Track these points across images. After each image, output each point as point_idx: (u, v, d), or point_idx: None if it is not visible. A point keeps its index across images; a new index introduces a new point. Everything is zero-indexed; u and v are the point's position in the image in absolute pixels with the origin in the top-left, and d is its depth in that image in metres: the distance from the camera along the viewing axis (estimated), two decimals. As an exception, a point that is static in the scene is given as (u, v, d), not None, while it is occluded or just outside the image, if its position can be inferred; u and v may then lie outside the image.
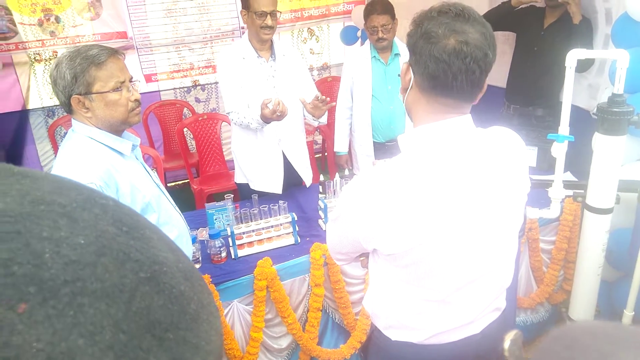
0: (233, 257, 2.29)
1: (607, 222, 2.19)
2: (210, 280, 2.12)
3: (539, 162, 2.89)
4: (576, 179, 2.62)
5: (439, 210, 1.13)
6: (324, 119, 2.67)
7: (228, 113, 2.62)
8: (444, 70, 1.09)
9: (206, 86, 4.94)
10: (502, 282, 1.33)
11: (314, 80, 2.97)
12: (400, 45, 3.08)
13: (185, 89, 4.88)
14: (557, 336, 0.39)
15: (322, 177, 2.59)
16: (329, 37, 5.40)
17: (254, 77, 2.59)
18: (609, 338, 0.37)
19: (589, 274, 2.30)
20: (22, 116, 4.34)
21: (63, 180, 0.33)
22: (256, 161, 2.74)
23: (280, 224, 2.38)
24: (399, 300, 1.29)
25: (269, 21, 2.49)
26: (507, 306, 1.44)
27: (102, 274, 0.27)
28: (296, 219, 2.38)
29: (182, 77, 4.83)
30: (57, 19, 4.23)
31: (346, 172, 3.15)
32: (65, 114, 4.26)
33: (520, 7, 3.20)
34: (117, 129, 1.67)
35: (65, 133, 1.69)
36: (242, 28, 4.78)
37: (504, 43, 3.63)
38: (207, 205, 2.55)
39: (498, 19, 3.07)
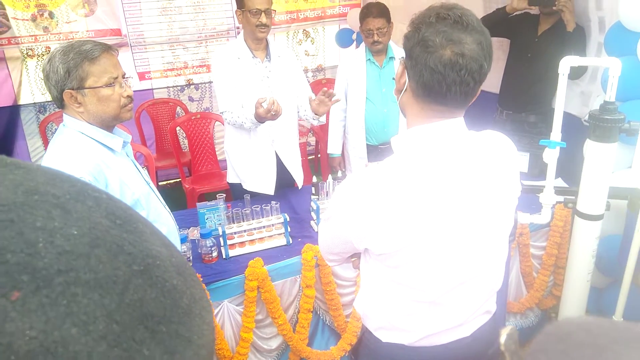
0: (224, 257, 2.29)
1: (597, 228, 2.21)
2: (201, 279, 2.11)
3: (530, 168, 2.91)
4: (567, 185, 2.64)
5: (430, 211, 1.13)
6: (323, 118, 2.68)
7: (222, 112, 2.62)
8: (438, 81, 1.09)
9: (200, 85, 4.93)
10: (492, 285, 1.34)
11: (308, 82, 2.97)
12: (395, 49, 3.09)
13: (179, 88, 4.87)
14: (551, 331, 0.40)
15: (315, 179, 2.58)
16: (324, 39, 5.41)
17: (248, 77, 2.59)
18: (603, 332, 0.37)
19: (579, 280, 2.32)
20: (13, 111, 4.31)
21: (57, 172, 0.33)
22: (249, 161, 2.73)
23: (272, 225, 2.37)
24: (390, 301, 1.29)
25: (263, 19, 2.49)
26: (498, 310, 1.45)
27: (95, 265, 0.27)
28: (288, 219, 2.37)
29: (175, 75, 4.81)
30: (51, 15, 4.21)
31: (339, 174, 3.16)
32: (56, 110, 4.25)
33: (515, 13, 3.23)
34: (108, 125, 1.67)
35: (57, 129, 1.69)
36: (238, 28, 4.78)
37: (498, 49, 3.65)
38: (198, 204, 2.54)
39: (492, 25, 3.08)
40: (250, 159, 2.72)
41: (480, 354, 1.39)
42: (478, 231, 1.21)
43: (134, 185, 1.68)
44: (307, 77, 3.09)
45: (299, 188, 2.89)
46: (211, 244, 2.25)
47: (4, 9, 4.03)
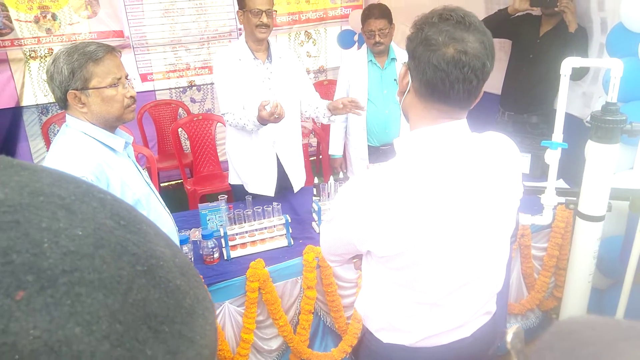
0: (225, 258, 2.29)
1: (598, 229, 2.20)
2: (202, 280, 2.11)
3: (532, 169, 2.90)
4: (569, 187, 2.64)
5: (433, 214, 1.14)
6: (334, 118, 2.70)
7: (223, 114, 2.62)
8: (441, 79, 1.09)
9: (202, 87, 4.94)
10: (493, 286, 1.34)
11: (311, 83, 2.97)
12: (397, 50, 3.09)
13: (181, 89, 4.87)
14: (557, 329, 0.40)
15: (316, 180, 2.58)
16: (326, 40, 5.42)
17: (250, 78, 2.59)
18: (608, 331, 0.38)
19: (580, 281, 2.31)
20: (15, 113, 4.32)
21: (62, 174, 0.33)
22: (250, 163, 2.74)
23: (274, 226, 2.38)
24: (391, 302, 1.29)
25: (264, 19, 2.49)
26: (498, 311, 1.45)
27: (99, 265, 0.27)
28: (290, 221, 2.38)
29: (178, 77, 4.82)
30: (54, 17, 4.22)
31: (340, 175, 3.16)
32: (59, 111, 4.27)
33: (517, 14, 3.23)
34: (111, 125, 1.69)
35: (59, 131, 1.70)
36: (239, 29, 4.78)
37: (500, 50, 3.65)
38: (200, 205, 2.54)
39: (494, 26, 3.08)
40: (251, 160, 2.73)
41: (481, 354, 1.39)
42: (481, 233, 1.21)
43: (134, 185, 1.70)
44: (309, 78, 3.08)
45: (294, 192, 2.88)
46: (213, 245, 2.25)
47: (7, 10, 4.04)
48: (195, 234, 2.49)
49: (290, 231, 2.38)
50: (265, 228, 2.37)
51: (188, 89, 4.90)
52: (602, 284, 2.61)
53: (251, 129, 2.52)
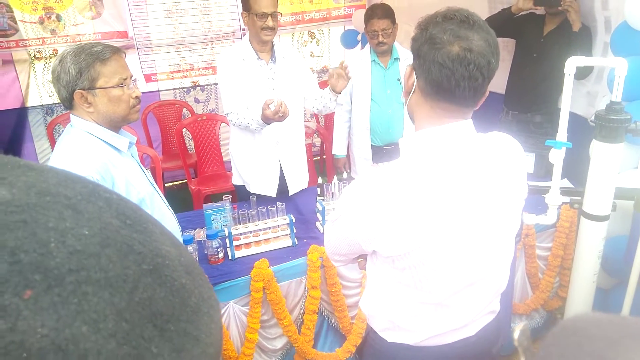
0: (230, 258, 2.30)
1: (603, 229, 2.20)
2: (208, 279, 2.12)
3: (536, 169, 2.90)
4: (573, 186, 2.64)
5: (438, 214, 1.14)
6: (341, 99, 2.67)
7: (227, 114, 2.63)
8: (447, 77, 1.09)
9: (206, 87, 4.95)
10: (497, 286, 1.34)
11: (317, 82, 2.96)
12: (400, 50, 3.09)
13: (185, 90, 4.89)
14: (564, 326, 0.41)
15: (320, 180, 2.58)
16: (329, 40, 5.42)
17: (253, 79, 2.60)
18: (615, 327, 0.38)
19: (585, 281, 2.31)
20: (20, 113, 4.34)
21: (68, 174, 0.33)
22: (252, 163, 2.74)
23: (278, 226, 2.38)
24: (396, 302, 1.30)
25: (269, 22, 2.49)
26: (502, 311, 1.45)
27: (105, 264, 0.28)
28: (294, 220, 2.38)
29: (182, 77, 4.84)
30: (58, 17, 4.24)
31: (344, 175, 3.16)
32: (64, 112, 4.28)
33: (520, 14, 3.22)
34: (116, 125, 1.71)
35: (64, 131, 1.72)
36: (243, 30, 4.79)
37: (504, 49, 3.65)
38: (205, 205, 2.55)
39: (498, 25, 3.08)
40: (254, 161, 2.73)
41: (485, 353, 1.39)
42: (486, 233, 1.21)
43: (139, 185, 1.71)
44: (314, 77, 3.09)
45: (289, 195, 2.87)
46: (217, 245, 2.26)
47: (12, 11, 4.06)
48: (200, 234, 2.50)
49: (295, 231, 2.39)
50: (270, 228, 2.37)
51: (192, 89, 4.91)
52: (607, 283, 2.60)
53: (255, 128, 2.52)
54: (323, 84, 5.09)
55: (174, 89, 4.83)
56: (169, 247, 0.33)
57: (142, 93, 1.81)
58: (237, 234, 2.31)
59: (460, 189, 1.15)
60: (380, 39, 2.93)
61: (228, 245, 2.30)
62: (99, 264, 0.27)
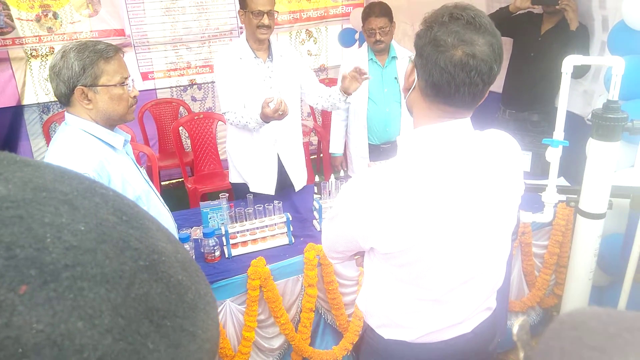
0: (227, 256, 2.29)
1: (599, 227, 2.21)
2: (204, 276, 2.12)
3: (533, 167, 2.90)
4: (569, 184, 2.64)
5: (436, 211, 1.14)
6: (350, 99, 2.68)
7: (224, 113, 2.62)
8: (447, 81, 1.09)
9: (203, 85, 4.94)
10: (494, 283, 1.34)
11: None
12: (398, 48, 3.09)
13: (182, 88, 4.88)
14: (564, 320, 0.41)
15: (317, 178, 2.59)
16: (327, 39, 5.42)
17: (250, 77, 2.59)
18: (614, 321, 0.38)
19: (581, 279, 2.31)
20: (16, 112, 4.32)
21: (64, 170, 0.33)
22: (250, 162, 2.74)
23: (275, 224, 2.38)
24: (393, 298, 1.30)
25: (265, 20, 2.49)
26: (499, 308, 1.45)
27: (102, 260, 0.28)
28: (291, 219, 2.38)
29: (179, 75, 4.82)
30: (55, 15, 4.22)
31: (341, 173, 3.16)
32: (60, 110, 4.27)
33: (518, 13, 3.23)
34: (113, 124, 1.71)
35: (59, 129, 1.72)
36: (240, 28, 4.78)
37: (501, 48, 3.65)
38: (201, 204, 2.55)
39: (495, 24, 3.08)
40: (251, 159, 2.73)
41: (481, 349, 1.39)
42: (482, 230, 1.22)
43: (135, 182, 1.72)
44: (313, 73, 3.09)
45: (295, 191, 2.88)
46: (214, 243, 2.26)
47: (9, 9, 4.04)
48: (197, 232, 2.49)
49: (291, 229, 2.39)
50: (267, 226, 2.37)
51: (189, 88, 4.90)
52: (603, 281, 2.61)
53: (253, 127, 2.52)
54: (320, 82, 5.10)
55: (170, 87, 4.82)
56: (165, 243, 0.33)
57: (139, 91, 1.82)
58: (234, 232, 2.31)
59: (457, 187, 1.16)
60: (378, 37, 2.93)
61: (225, 243, 2.30)
62: (95, 259, 0.27)
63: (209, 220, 2.50)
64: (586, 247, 2.25)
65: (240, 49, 2.61)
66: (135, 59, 4.58)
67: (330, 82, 5.05)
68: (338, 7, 5.27)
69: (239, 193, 2.88)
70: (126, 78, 1.66)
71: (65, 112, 1.67)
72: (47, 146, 4.28)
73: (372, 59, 3.06)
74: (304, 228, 2.53)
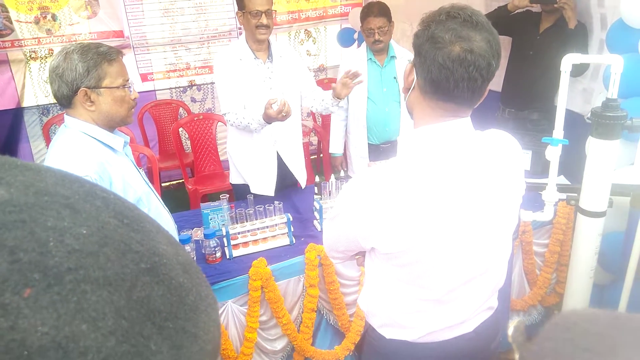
0: (228, 257, 2.30)
1: (600, 225, 2.21)
2: (205, 278, 2.12)
3: (533, 166, 2.91)
4: (570, 183, 2.64)
5: (436, 211, 1.14)
6: (343, 102, 2.69)
7: (224, 114, 2.63)
8: (446, 77, 1.10)
9: (202, 86, 4.94)
10: (495, 282, 1.35)
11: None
12: (397, 48, 3.09)
13: (181, 89, 4.88)
14: (557, 322, 0.41)
15: (317, 179, 2.59)
16: (326, 38, 5.42)
17: (250, 78, 2.60)
18: (606, 322, 0.39)
19: (582, 277, 2.32)
20: (16, 114, 4.33)
21: (65, 174, 0.33)
22: (250, 163, 2.74)
23: (276, 225, 2.38)
24: (395, 298, 1.30)
25: (264, 20, 2.49)
26: (500, 307, 1.45)
27: (104, 263, 0.28)
28: (291, 219, 2.38)
29: (178, 76, 4.83)
30: (54, 17, 4.23)
31: (341, 173, 3.17)
32: (60, 112, 4.27)
33: (516, 11, 3.23)
34: (113, 126, 1.72)
35: (58, 131, 1.72)
36: (239, 29, 4.78)
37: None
38: (202, 205, 2.55)
39: (494, 23, 3.07)
40: (251, 160, 2.73)
41: (483, 349, 1.39)
42: (484, 230, 1.22)
43: (135, 184, 1.72)
44: (311, 75, 3.10)
45: (302, 188, 2.90)
46: (215, 245, 2.26)
47: (7, 11, 4.05)
48: (198, 234, 2.49)
49: (292, 230, 2.39)
50: (267, 227, 2.37)
51: (188, 89, 4.90)
52: (604, 279, 2.61)
53: (255, 127, 2.52)
54: (319, 83, 5.10)
55: (170, 88, 4.82)
56: (166, 246, 0.33)
57: (139, 92, 1.83)
58: (235, 233, 2.31)
59: (458, 186, 1.16)
60: (377, 37, 2.93)
61: (226, 244, 2.30)
62: (97, 262, 0.27)
63: (210, 221, 2.50)
64: (587, 245, 2.26)
65: (240, 50, 2.61)
66: (135, 61, 4.58)
67: (330, 82, 5.05)
68: (337, 7, 5.28)
69: (239, 194, 2.88)
70: (127, 80, 1.67)
71: (65, 115, 1.68)
72: (47, 148, 4.31)
73: (370, 58, 3.06)
74: (304, 228, 2.53)
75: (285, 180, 2.83)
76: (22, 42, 4.18)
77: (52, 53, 4.28)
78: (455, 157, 1.17)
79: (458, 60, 1.08)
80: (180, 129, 4.27)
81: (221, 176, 4.20)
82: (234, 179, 2.88)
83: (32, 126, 4.41)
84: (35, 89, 4.37)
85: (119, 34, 4.47)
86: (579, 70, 2.94)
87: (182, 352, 0.30)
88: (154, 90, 4.75)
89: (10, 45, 4.15)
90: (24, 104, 4.35)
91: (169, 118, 4.74)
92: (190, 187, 4.05)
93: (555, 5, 2.97)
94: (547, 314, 2.86)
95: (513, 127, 3.22)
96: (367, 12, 2.95)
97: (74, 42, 1.80)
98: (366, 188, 1.17)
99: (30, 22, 4.16)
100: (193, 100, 4.95)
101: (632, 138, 2.28)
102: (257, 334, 2.25)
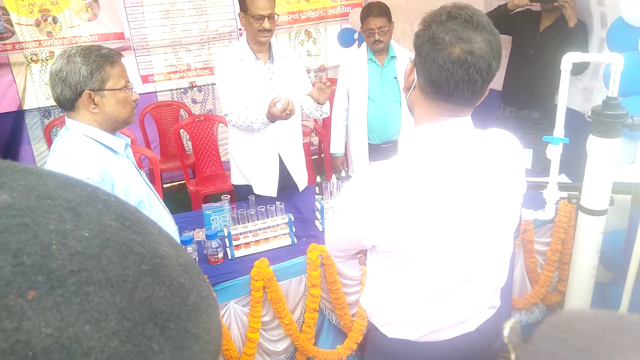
0: (230, 257, 2.30)
1: (601, 223, 2.21)
2: (206, 279, 2.12)
3: (534, 164, 2.91)
4: (571, 181, 2.64)
5: (437, 209, 1.15)
6: (326, 108, 2.67)
7: (226, 114, 2.63)
8: (446, 78, 1.10)
9: (203, 87, 4.95)
10: (497, 281, 1.35)
11: (311, 82, 2.97)
12: (397, 48, 3.09)
13: (182, 90, 4.89)
14: (552, 322, 0.41)
15: (318, 179, 2.59)
16: (326, 39, 5.42)
17: (251, 79, 2.60)
18: (601, 322, 0.39)
19: (583, 275, 2.31)
20: (18, 116, 4.34)
21: (67, 177, 0.34)
22: (252, 163, 2.75)
23: (277, 225, 2.39)
24: (396, 297, 1.30)
25: (266, 24, 2.50)
26: (502, 305, 1.45)
27: (106, 265, 0.28)
28: (293, 219, 2.39)
29: (179, 78, 4.83)
30: (55, 20, 4.24)
31: (342, 173, 3.17)
32: (61, 114, 4.28)
33: (516, 10, 3.23)
34: (117, 127, 1.73)
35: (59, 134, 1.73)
36: (240, 30, 4.79)
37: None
38: (204, 206, 2.56)
39: (494, 22, 3.08)
40: (253, 161, 2.74)
41: (485, 348, 1.40)
42: (485, 228, 1.22)
43: (137, 186, 1.72)
44: (309, 77, 3.10)
45: (299, 191, 2.89)
46: (217, 245, 2.26)
47: (8, 14, 4.06)
48: (199, 234, 2.50)
49: (294, 230, 2.39)
50: (269, 227, 2.38)
51: (189, 90, 4.91)
52: (606, 277, 2.61)
53: (259, 127, 2.53)
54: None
55: (171, 89, 4.83)
56: (167, 247, 0.34)
57: (139, 94, 1.83)
58: (237, 234, 2.32)
59: (459, 185, 1.16)
60: (377, 37, 2.93)
61: (227, 245, 2.30)
62: (99, 264, 0.28)
63: (212, 222, 2.51)
64: (588, 243, 2.25)
65: (241, 51, 2.62)
66: (135, 62, 4.59)
67: (330, 82, 5.05)
68: (337, 7, 5.28)
69: (241, 195, 2.89)
70: (128, 82, 1.69)
71: (66, 117, 1.68)
72: (49, 150, 4.31)
73: (371, 58, 3.06)
74: (306, 228, 2.54)
75: (287, 181, 2.84)
76: (23, 44, 4.19)
77: (53, 55, 4.29)
78: (456, 156, 1.17)
79: (458, 62, 1.08)
80: (181, 130, 4.28)
81: (222, 177, 4.20)
82: (236, 179, 2.88)
83: (33, 129, 4.42)
84: (36, 92, 4.38)
85: (120, 35, 4.48)
86: (579, 69, 2.94)
87: (184, 352, 0.30)
88: (155, 92, 4.76)
89: (11, 48, 4.16)
90: (25, 107, 4.36)
91: (170, 119, 4.75)
92: (191, 188, 4.05)
93: (555, 4, 2.97)
94: (550, 313, 2.86)
95: (514, 125, 3.23)
96: (367, 12, 2.95)
97: (73, 45, 1.80)
98: (366, 186, 1.18)
99: (31, 25, 4.17)
100: (194, 101, 4.95)
101: (632, 136, 2.28)
102: (259, 334, 2.25)
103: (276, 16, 2.59)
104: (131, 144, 1.83)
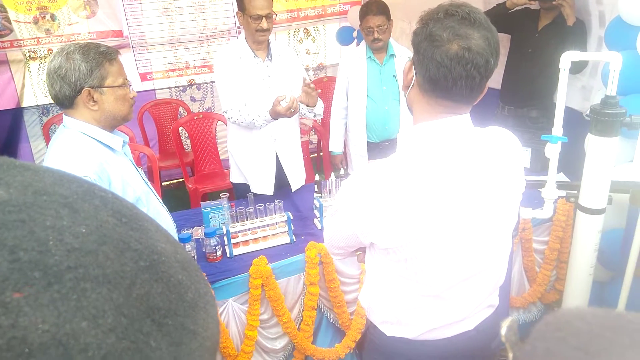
0: (228, 255, 2.30)
1: (599, 222, 2.21)
2: (206, 278, 2.12)
3: (532, 163, 2.91)
4: (569, 180, 2.64)
5: (435, 206, 1.15)
6: (319, 110, 2.65)
7: (225, 112, 2.63)
8: (444, 75, 1.10)
9: (202, 85, 4.94)
10: (495, 279, 1.35)
11: (310, 80, 2.97)
12: (396, 46, 3.09)
13: (181, 88, 4.88)
14: (550, 321, 0.41)
15: (317, 177, 2.59)
16: (325, 37, 5.41)
17: (250, 76, 2.60)
18: (598, 320, 0.39)
19: (581, 274, 2.32)
20: (16, 114, 4.33)
21: (64, 173, 0.34)
22: (250, 161, 2.75)
23: (276, 223, 2.39)
24: (394, 294, 1.30)
25: (264, 24, 2.50)
26: (501, 305, 1.45)
27: (103, 261, 0.28)
28: (291, 217, 2.39)
29: (177, 76, 4.82)
30: (53, 17, 4.22)
31: (341, 172, 3.17)
32: (60, 112, 4.27)
33: (515, 9, 3.23)
34: (115, 125, 1.73)
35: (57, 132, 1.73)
36: (239, 28, 4.78)
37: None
38: (203, 203, 2.56)
39: (492, 21, 3.07)
40: (251, 158, 2.74)
41: (484, 347, 1.40)
42: (483, 227, 1.22)
43: (134, 183, 1.73)
44: (308, 75, 3.10)
45: (292, 191, 2.88)
46: (215, 243, 2.26)
47: (6, 12, 4.04)
48: (198, 232, 2.50)
49: (292, 228, 2.39)
50: (268, 225, 2.38)
51: (188, 88, 4.90)
52: (604, 276, 2.61)
53: (260, 124, 2.53)
54: (319, 81, 5.10)
55: (169, 87, 4.82)
56: (164, 244, 0.34)
57: (138, 92, 1.84)
58: (235, 232, 2.32)
59: (457, 183, 1.16)
60: (376, 35, 2.93)
61: (226, 243, 2.30)
62: (96, 261, 0.28)
63: (210, 220, 2.51)
64: (586, 242, 2.26)
65: (239, 49, 2.62)
66: (134, 60, 4.58)
67: (329, 81, 5.06)
68: (335, 5, 5.27)
69: (240, 193, 2.88)
70: (126, 79, 1.69)
71: (64, 115, 1.68)
72: (47, 148, 4.31)
73: (370, 57, 3.06)
74: (304, 227, 2.54)
75: (284, 179, 2.83)
76: (21, 42, 4.17)
77: (51, 53, 4.28)
78: (455, 153, 1.17)
79: (456, 59, 1.08)
80: (180, 128, 4.27)
81: (221, 175, 4.20)
82: (235, 177, 2.88)
83: (32, 126, 4.41)
84: (34, 89, 4.37)
85: (118, 33, 4.47)
86: (577, 67, 2.94)
87: (181, 348, 0.30)
88: (154, 90, 4.75)
89: (9, 45, 4.15)
90: (24, 104, 4.35)
91: (169, 117, 4.74)
92: (190, 186, 4.05)
93: (554, 3, 2.97)
94: (547, 311, 2.86)
95: (512, 124, 3.23)
96: (366, 11, 2.95)
97: (70, 43, 1.79)
98: (365, 183, 1.18)
99: (29, 22, 4.16)
100: (192, 99, 4.95)
101: (631, 135, 2.28)
102: (257, 332, 2.25)
103: (274, 15, 2.59)
104: (130, 141, 1.83)
